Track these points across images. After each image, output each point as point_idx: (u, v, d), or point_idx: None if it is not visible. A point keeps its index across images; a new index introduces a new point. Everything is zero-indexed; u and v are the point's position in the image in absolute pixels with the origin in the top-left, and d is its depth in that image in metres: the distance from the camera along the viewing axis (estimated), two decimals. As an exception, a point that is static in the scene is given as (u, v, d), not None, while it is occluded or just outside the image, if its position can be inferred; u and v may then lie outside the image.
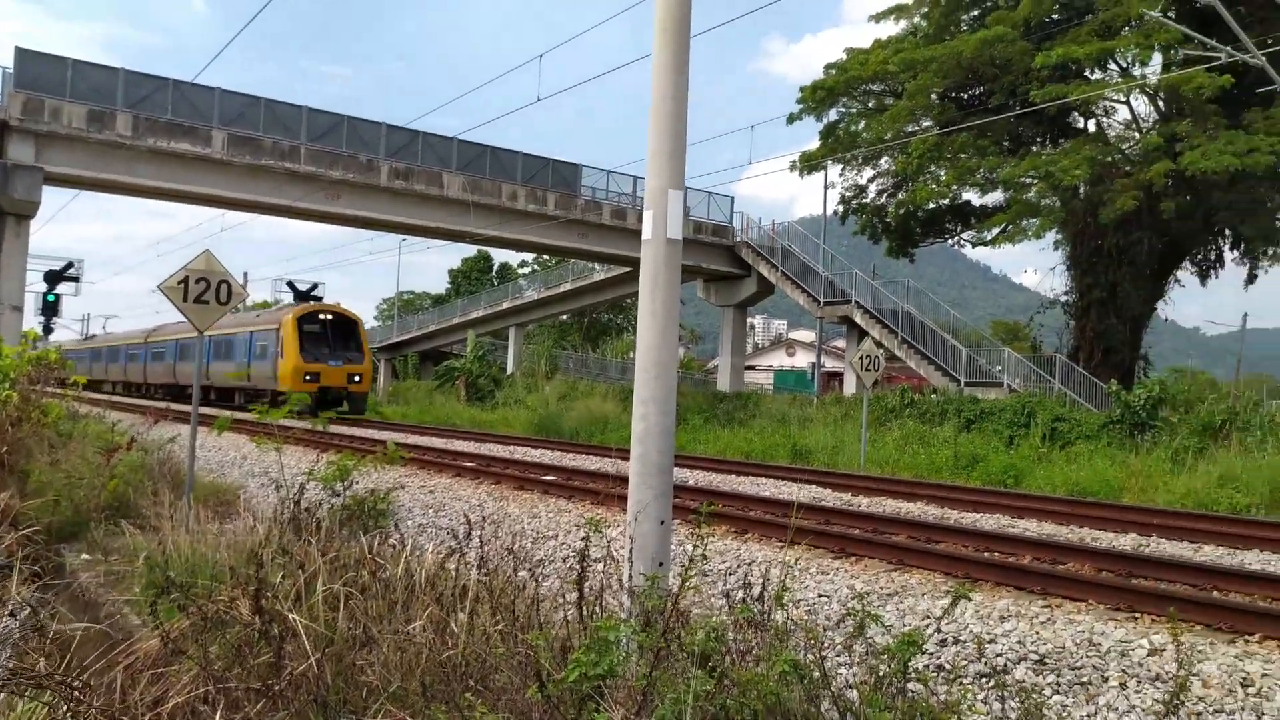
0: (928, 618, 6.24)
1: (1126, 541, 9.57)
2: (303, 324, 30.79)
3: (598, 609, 4.98)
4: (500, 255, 75.69)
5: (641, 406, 5.94)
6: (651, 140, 6.14)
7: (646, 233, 6.09)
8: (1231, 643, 5.72)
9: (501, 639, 4.56)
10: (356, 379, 31.25)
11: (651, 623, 4.27)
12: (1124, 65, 27.13)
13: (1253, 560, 8.66)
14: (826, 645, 6.12)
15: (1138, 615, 6.27)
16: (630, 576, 5.39)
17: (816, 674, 4.13)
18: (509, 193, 31.43)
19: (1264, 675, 5.09)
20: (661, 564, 5.66)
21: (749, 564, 7.82)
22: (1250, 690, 4.96)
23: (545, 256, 53.81)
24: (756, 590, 5.01)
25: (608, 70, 15.46)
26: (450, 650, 4.36)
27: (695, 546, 4.55)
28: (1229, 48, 14.75)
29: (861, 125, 31.70)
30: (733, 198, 36.64)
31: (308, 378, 29.55)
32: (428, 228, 31.49)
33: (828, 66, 31.80)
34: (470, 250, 67.25)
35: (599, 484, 11.60)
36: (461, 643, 4.41)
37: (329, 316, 32.07)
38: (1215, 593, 7.01)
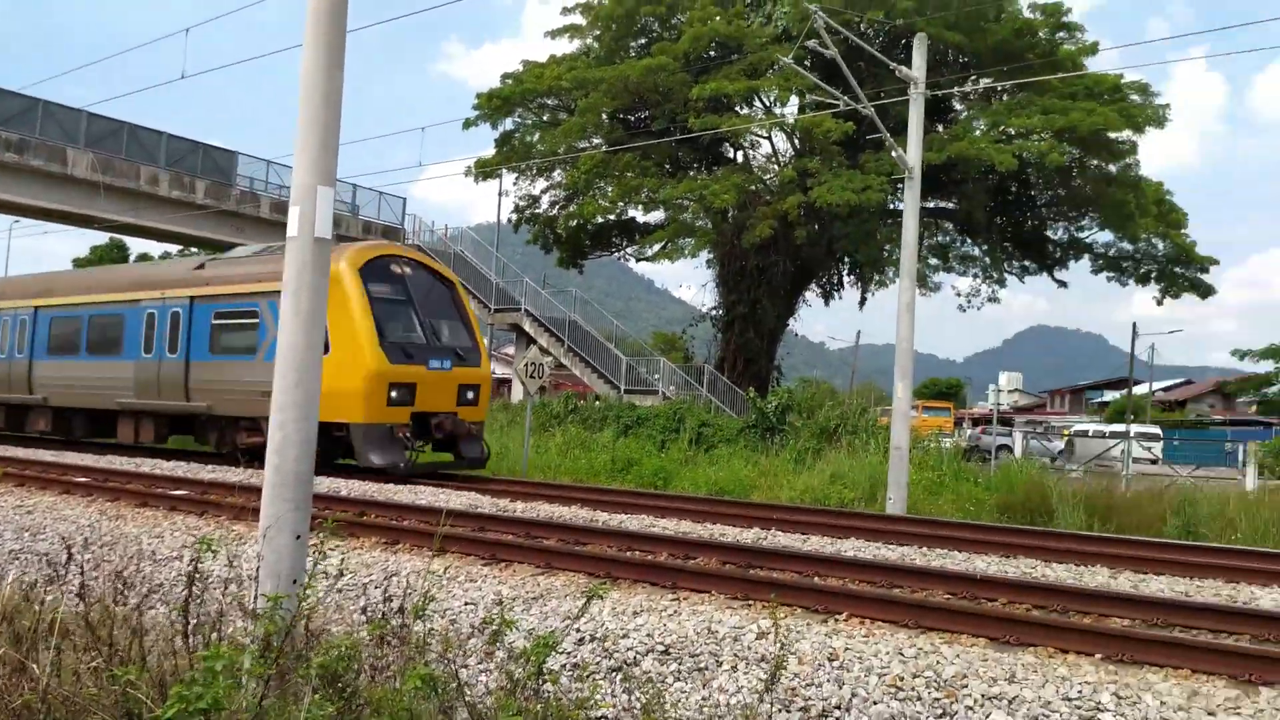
0: (568, 618, 6.46)
1: (750, 535, 10.56)
2: (370, 281, 15.40)
3: (216, 636, 4.61)
4: (139, 245, 68.00)
5: (279, 414, 5.61)
6: (301, 133, 5.82)
7: (292, 230, 5.77)
8: (824, 622, 6.50)
9: (95, 677, 4.08)
10: (470, 395, 16.42)
11: (272, 646, 4.03)
12: (767, 104, 30.11)
13: (849, 548, 9.91)
14: (469, 654, 6.15)
15: (751, 602, 6.95)
16: (258, 597, 5.06)
17: (454, 685, 4.13)
18: (149, 176, 28.37)
19: (846, 649, 5.84)
20: (296, 581, 5.37)
21: (396, 575, 7.65)
22: (835, 664, 5.67)
23: (194, 250, 49.16)
24: (399, 603, 4.91)
25: (263, 54, 14.45)
26: (27, 695, 3.82)
27: (318, 562, 4.36)
28: (846, 98, 16.87)
29: (536, 137, 32.40)
30: (405, 199, 35.75)
31: (395, 395, 14.92)
32: (47, 210, 27.56)
33: (504, 76, 32.17)
34: (101, 238, 59.77)
35: (240, 497, 10.78)
36: (43, 686, 3.88)
37: (407, 269, 16.48)
38: (816, 579, 7.93)
